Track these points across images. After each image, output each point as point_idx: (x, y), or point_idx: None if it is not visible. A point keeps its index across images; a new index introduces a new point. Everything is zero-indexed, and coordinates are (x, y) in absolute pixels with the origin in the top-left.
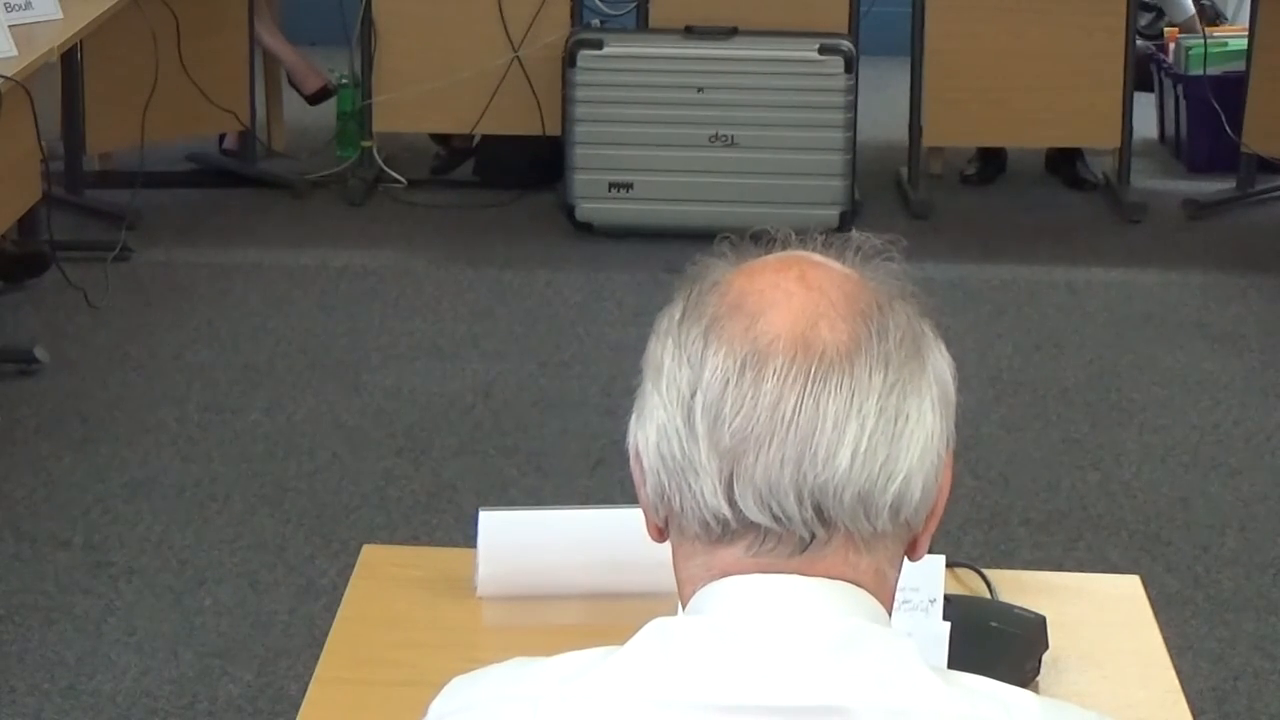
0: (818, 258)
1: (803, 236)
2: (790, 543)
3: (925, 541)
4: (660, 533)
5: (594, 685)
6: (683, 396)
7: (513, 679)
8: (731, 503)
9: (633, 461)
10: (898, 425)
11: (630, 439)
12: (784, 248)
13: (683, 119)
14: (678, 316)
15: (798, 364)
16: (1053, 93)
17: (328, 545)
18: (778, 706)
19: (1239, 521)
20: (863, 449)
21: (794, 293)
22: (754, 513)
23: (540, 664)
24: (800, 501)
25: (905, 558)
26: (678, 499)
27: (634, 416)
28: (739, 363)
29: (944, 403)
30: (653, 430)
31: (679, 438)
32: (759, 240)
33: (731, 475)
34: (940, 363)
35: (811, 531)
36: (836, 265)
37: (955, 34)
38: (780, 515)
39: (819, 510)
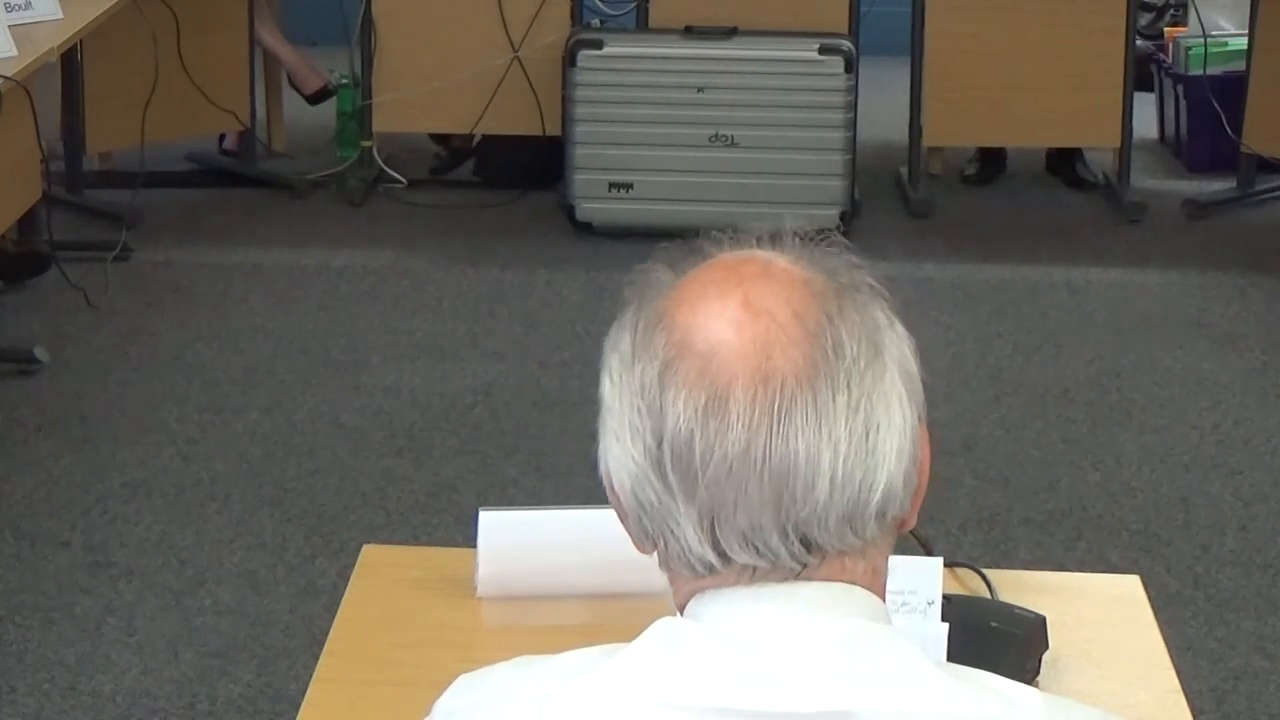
0: (757, 267)
1: (735, 237)
2: (782, 572)
3: (913, 518)
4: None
5: (598, 684)
6: (649, 447)
7: (517, 677)
8: (717, 548)
9: (609, 494)
10: (869, 440)
11: (602, 468)
12: (719, 250)
13: (683, 119)
14: (628, 357)
15: (759, 402)
16: (1053, 93)
17: (328, 545)
18: (782, 712)
19: (1239, 521)
20: (840, 475)
21: (742, 323)
22: (740, 555)
23: (545, 662)
24: (785, 537)
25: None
26: (663, 543)
27: (600, 445)
28: (700, 410)
29: (910, 389)
30: (626, 478)
31: (654, 488)
32: (696, 250)
33: (713, 523)
34: (899, 348)
35: (801, 561)
36: (779, 273)
37: (955, 34)
38: (766, 553)
39: (805, 542)
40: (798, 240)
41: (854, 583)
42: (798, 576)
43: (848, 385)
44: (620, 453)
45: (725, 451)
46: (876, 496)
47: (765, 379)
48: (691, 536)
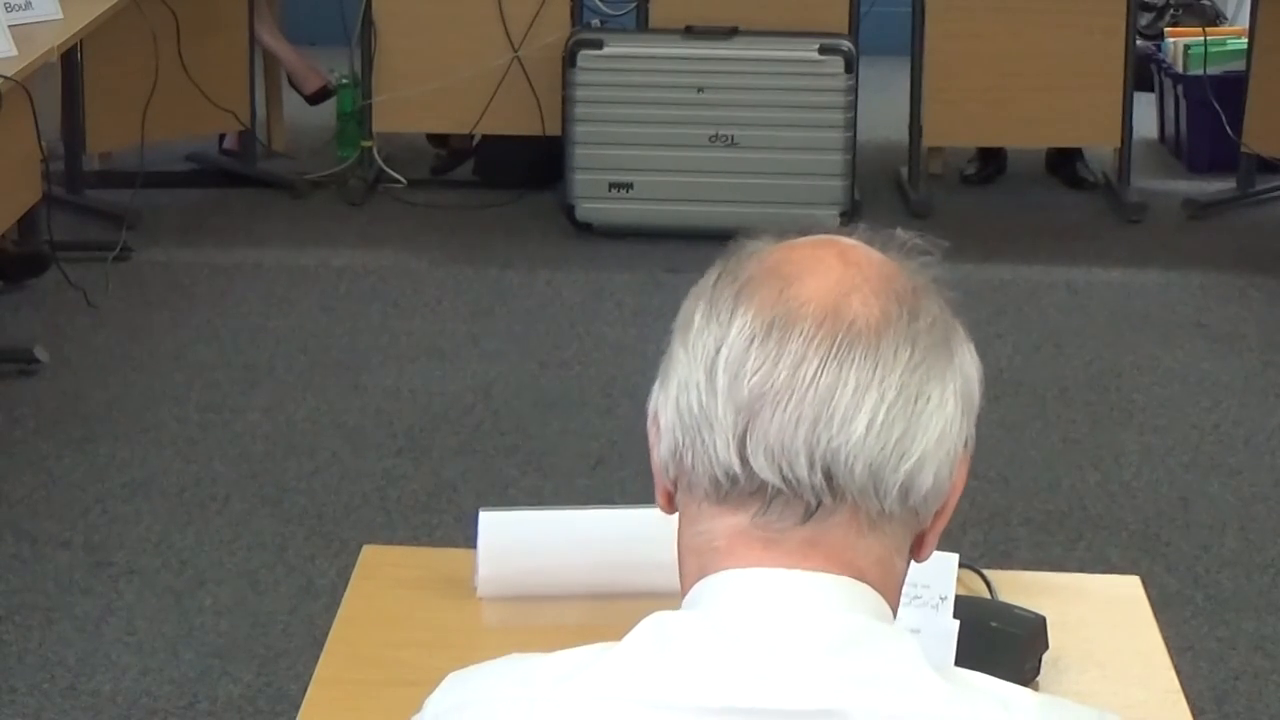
0: (858, 242)
1: (847, 228)
2: (797, 509)
3: (932, 541)
4: (669, 499)
5: (590, 685)
6: (707, 352)
7: (509, 677)
8: (743, 459)
9: (649, 424)
10: (917, 404)
11: (651, 403)
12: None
13: (683, 119)
14: (713, 280)
15: (825, 330)
16: (1053, 93)
17: (328, 545)
18: (774, 710)
19: (1239, 521)
20: (879, 420)
21: (832, 266)
22: (764, 470)
23: (536, 661)
24: (811, 464)
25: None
26: (690, 455)
27: (658, 381)
28: (767, 323)
29: (967, 398)
30: (674, 386)
31: (698, 391)
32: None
33: (745, 431)
34: (968, 361)
35: (819, 497)
36: (876, 252)
37: (955, 34)
38: (790, 476)
39: (829, 476)
40: (903, 248)
41: (862, 574)
42: (811, 518)
43: (913, 346)
44: (678, 363)
45: (777, 364)
46: (908, 465)
47: (838, 314)
48: (721, 443)
